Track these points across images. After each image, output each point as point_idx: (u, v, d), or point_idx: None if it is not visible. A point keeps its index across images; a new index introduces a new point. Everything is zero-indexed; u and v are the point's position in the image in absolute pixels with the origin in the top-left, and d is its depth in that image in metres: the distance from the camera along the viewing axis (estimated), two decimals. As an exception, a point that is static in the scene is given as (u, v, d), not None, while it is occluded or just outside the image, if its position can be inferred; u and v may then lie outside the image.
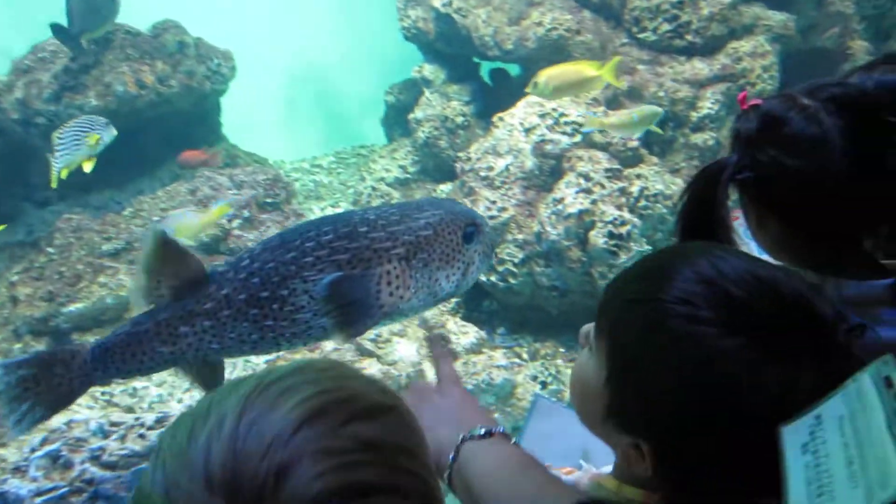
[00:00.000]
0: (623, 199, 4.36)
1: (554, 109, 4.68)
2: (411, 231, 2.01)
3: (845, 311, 1.06)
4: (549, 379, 4.09)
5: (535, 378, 4.02)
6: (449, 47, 5.98)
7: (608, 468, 1.26)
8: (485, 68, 6.23)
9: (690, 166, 4.96)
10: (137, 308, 2.07)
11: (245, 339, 2.00)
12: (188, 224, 4.22)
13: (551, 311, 4.55)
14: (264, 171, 5.79)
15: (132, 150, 5.83)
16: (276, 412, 0.76)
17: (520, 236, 4.48)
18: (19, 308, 4.82)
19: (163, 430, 2.77)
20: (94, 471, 2.65)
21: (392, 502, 0.77)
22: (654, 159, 4.86)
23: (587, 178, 4.40)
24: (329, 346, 3.71)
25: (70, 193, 5.67)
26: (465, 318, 4.45)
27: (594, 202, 4.33)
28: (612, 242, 4.23)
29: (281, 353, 3.03)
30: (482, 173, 4.65)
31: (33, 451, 2.75)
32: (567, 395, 3.89)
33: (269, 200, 5.47)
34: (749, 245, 1.61)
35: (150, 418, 2.86)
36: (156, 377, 4.08)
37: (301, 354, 3.61)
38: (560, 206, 4.33)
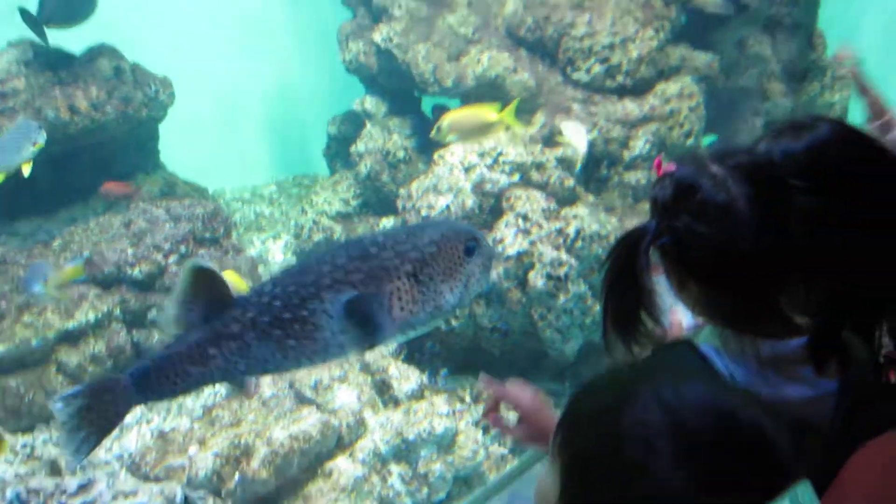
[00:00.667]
0: (560, 240, 4.44)
1: (493, 149, 4.75)
2: (417, 248, 2.18)
3: (803, 442, 1.09)
4: (491, 422, 4.11)
5: (476, 423, 4.04)
6: (390, 81, 5.99)
7: None
8: (426, 103, 6.28)
9: (625, 204, 5.10)
10: (167, 334, 2.22)
11: (269, 359, 2.14)
12: (51, 277, 4.24)
13: (494, 352, 4.60)
14: (203, 205, 5.66)
15: (64, 176, 5.63)
16: None
17: (460, 275, 4.52)
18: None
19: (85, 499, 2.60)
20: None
21: None
22: (590, 197, 4.98)
23: (525, 217, 4.48)
24: (267, 392, 3.67)
25: (-5, 219, 5.48)
26: (408, 360, 4.46)
27: (532, 243, 4.40)
28: (552, 283, 4.30)
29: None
30: (423, 212, 4.68)
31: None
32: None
33: (207, 235, 5.39)
34: (673, 301, 1.69)
35: (72, 484, 2.73)
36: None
37: (237, 402, 3.56)
38: (500, 248, 4.40)
